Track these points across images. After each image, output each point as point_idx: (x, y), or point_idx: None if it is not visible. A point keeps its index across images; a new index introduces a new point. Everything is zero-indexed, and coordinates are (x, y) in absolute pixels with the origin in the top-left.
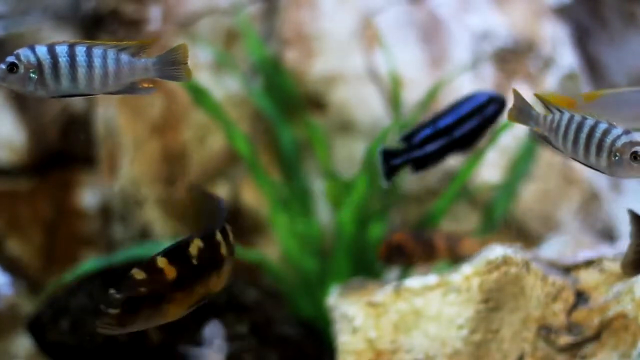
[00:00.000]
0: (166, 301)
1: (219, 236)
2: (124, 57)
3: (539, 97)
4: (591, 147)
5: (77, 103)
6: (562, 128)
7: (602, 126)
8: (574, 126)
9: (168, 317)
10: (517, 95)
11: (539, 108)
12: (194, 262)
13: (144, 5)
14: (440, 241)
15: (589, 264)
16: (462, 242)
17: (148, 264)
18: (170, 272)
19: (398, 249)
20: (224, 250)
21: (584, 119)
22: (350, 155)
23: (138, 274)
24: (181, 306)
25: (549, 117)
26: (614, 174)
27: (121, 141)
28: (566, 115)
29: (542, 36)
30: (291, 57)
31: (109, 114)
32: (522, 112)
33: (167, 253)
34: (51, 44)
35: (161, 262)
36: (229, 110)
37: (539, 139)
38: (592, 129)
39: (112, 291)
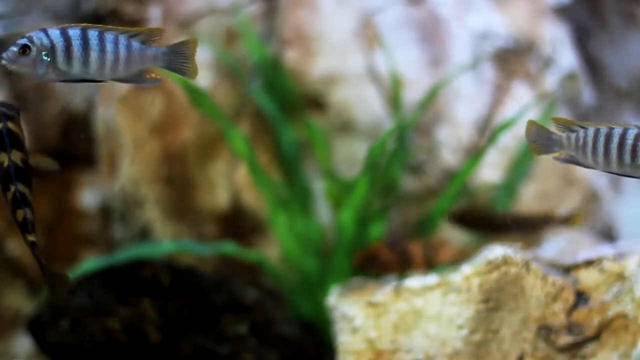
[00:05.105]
0: None
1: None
2: (135, 44)
3: (556, 120)
4: (624, 154)
5: (77, 103)
6: (590, 143)
7: (633, 132)
8: (602, 138)
9: None
10: (534, 126)
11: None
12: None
13: (144, 5)
14: (417, 250)
15: (589, 264)
16: (440, 251)
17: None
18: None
19: (373, 257)
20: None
21: (611, 128)
22: (350, 155)
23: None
24: None
25: (573, 136)
26: None
27: (121, 141)
28: (591, 130)
29: (542, 36)
30: (291, 57)
31: (109, 114)
32: (544, 142)
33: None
34: (64, 27)
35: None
36: (228, 110)
37: (565, 162)
38: (623, 137)
39: None
